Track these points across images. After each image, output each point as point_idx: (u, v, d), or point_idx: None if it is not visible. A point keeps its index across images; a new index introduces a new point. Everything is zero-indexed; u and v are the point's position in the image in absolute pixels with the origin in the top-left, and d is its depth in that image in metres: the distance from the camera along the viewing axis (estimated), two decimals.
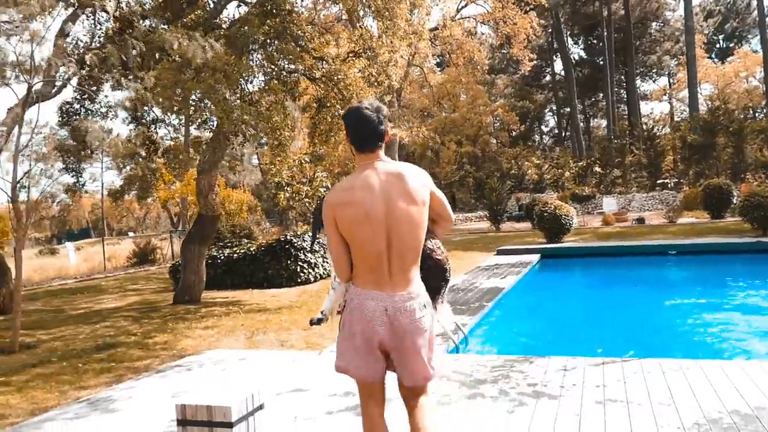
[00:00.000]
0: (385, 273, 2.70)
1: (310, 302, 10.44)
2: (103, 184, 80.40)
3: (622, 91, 60.18)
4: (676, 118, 51.48)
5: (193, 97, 8.03)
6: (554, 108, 67.18)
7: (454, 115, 37.74)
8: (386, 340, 2.72)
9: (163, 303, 11.40)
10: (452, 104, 37.79)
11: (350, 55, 11.94)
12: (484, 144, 43.16)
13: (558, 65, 65.50)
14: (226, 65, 7.84)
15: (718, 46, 65.73)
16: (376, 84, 12.20)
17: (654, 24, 62.41)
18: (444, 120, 37.21)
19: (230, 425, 3.32)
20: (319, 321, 3.13)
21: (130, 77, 7.45)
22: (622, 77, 58.27)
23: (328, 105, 11.61)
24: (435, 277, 2.95)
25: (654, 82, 69.57)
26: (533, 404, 4.45)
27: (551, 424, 4.07)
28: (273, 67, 10.91)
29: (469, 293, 10.36)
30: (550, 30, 56.56)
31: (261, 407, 3.62)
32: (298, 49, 10.57)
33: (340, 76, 10.95)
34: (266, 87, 9.46)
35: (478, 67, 24.90)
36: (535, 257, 15.86)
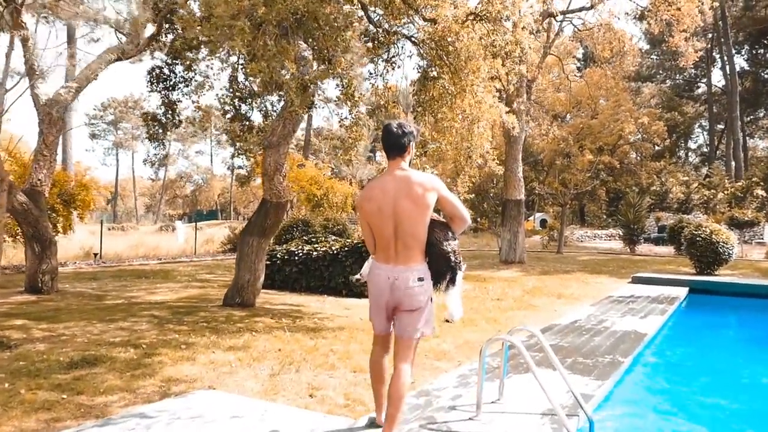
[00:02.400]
0: (392, 251, 3.58)
1: None
2: (233, 168, 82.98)
3: None
4: None
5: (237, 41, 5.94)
6: (705, 123, 60.61)
7: (592, 121, 33.92)
8: (390, 300, 3.61)
9: (215, 303, 9.51)
10: (591, 109, 33.98)
11: (470, 17, 9.36)
12: (623, 155, 38.80)
13: (715, 76, 59.07)
14: None
15: None
16: (503, 54, 9.59)
17: None
18: (579, 125, 33.48)
19: None
20: (358, 281, 4.24)
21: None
22: None
23: (434, 76, 9.19)
24: (438, 263, 3.63)
25: None
26: None
27: None
28: (370, 23, 8.65)
29: (597, 338, 7.56)
30: (710, 36, 50.75)
31: None
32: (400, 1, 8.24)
33: (450, 39, 8.49)
34: (342, 41, 7.12)
35: (629, 58, 21.34)
36: (682, 291, 12.58)
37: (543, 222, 37.63)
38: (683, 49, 18.54)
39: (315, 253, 11.87)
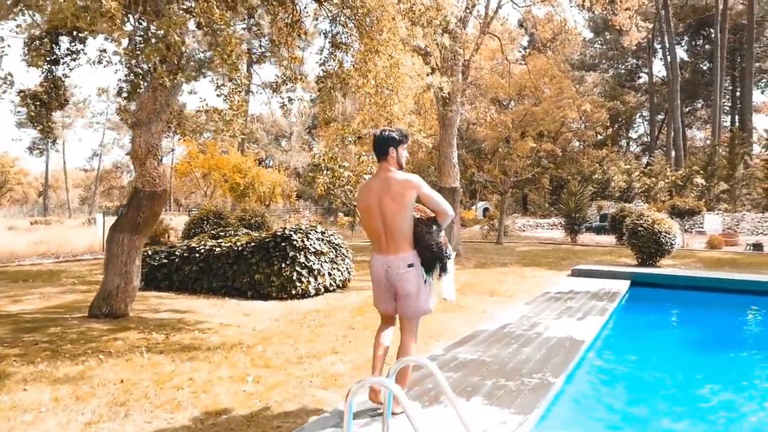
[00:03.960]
0: (383, 243, 4.09)
1: (281, 337, 6.76)
2: (172, 158, 79.62)
3: (723, 99, 53.70)
4: None
5: None
6: (646, 114, 61.20)
7: (535, 108, 33.19)
8: (387, 284, 4.13)
9: (84, 313, 7.98)
10: (535, 96, 33.21)
11: None
12: (566, 142, 38.25)
13: (656, 66, 59.54)
14: None
15: None
16: (423, 22, 8.32)
17: None
18: (522, 112, 32.66)
19: None
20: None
21: None
22: (726, 84, 51.92)
23: (341, 43, 7.86)
24: (424, 254, 4.07)
25: (762, 93, 62.18)
26: None
27: None
28: None
29: (526, 348, 6.40)
30: (651, 26, 50.87)
31: None
32: None
33: None
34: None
35: (570, 38, 20.40)
36: (623, 285, 11.67)
37: (486, 211, 36.84)
38: (627, 27, 17.67)
39: (218, 249, 10.42)
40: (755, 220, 27.08)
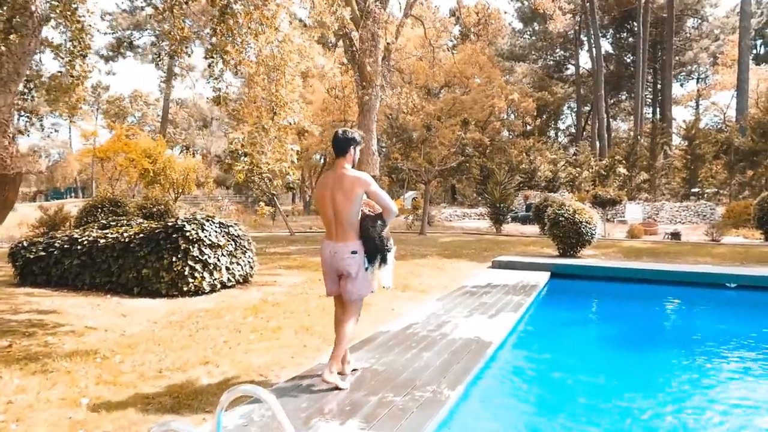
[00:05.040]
0: (333, 230, 4.61)
1: (150, 343, 5.89)
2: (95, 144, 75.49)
3: (645, 91, 55.31)
4: (703, 124, 46.19)
5: None
6: (573, 105, 62.26)
7: (464, 96, 32.89)
8: (332, 268, 4.64)
9: None
10: (464, 84, 32.91)
11: None
12: (494, 132, 38.23)
13: (582, 58, 60.61)
14: None
15: (754, 51, 60.37)
16: None
17: (690, 21, 57.44)
18: (451, 101, 32.31)
19: None
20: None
21: None
22: (649, 76, 53.43)
23: (227, 13, 7.00)
24: (368, 246, 4.60)
25: (681, 86, 64.46)
26: None
27: None
28: None
29: (427, 352, 5.76)
30: (577, 18, 51.64)
31: None
32: None
33: None
34: None
35: (494, 22, 20.01)
36: (543, 277, 11.26)
37: (413, 200, 36.43)
38: (550, 11, 17.35)
39: (103, 241, 9.38)
40: (673, 209, 27.67)
